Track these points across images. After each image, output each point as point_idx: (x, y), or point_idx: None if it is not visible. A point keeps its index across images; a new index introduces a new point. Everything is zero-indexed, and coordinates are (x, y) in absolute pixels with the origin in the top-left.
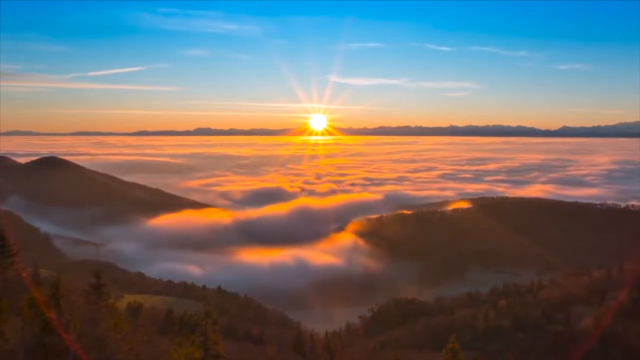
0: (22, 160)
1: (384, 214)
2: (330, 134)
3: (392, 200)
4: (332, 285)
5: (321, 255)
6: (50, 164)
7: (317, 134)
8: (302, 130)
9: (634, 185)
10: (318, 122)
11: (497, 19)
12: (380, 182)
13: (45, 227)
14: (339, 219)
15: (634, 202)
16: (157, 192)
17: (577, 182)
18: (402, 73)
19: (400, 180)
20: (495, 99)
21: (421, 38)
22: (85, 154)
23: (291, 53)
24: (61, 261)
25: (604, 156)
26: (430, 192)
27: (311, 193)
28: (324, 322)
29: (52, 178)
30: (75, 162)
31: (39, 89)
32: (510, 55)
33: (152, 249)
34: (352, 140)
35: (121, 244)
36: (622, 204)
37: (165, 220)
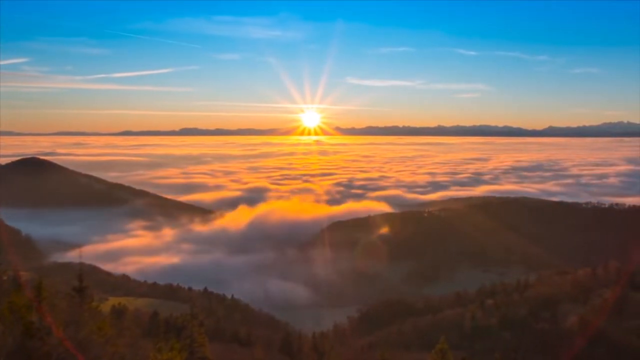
0: (2, 160)
1: (371, 214)
2: (317, 133)
3: (380, 200)
4: (319, 286)
5: (306, 255)
6: (32, 165)
7: (304, 134)
8: (289, 130)
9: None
10: (308, 122)
11: (522, 24)
12: (368, 181)
13: (26, 228)
14: (319, 221)
15: (618, 201)
16: (142, 193)
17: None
18: (420, 75)
19: (388, 179)
20: (501, 101)
21: (451, 43)
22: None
23: (319, 57)
24: (43, 263)
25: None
26: (418, 192)
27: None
28: (312, 322)
29: (33, 179)
30: (56, 162)
31: (47, 90)
32: (531, 59)
33: (137, 250)
34: (341, 140)
35: (105, 245)
36: (607, 203)
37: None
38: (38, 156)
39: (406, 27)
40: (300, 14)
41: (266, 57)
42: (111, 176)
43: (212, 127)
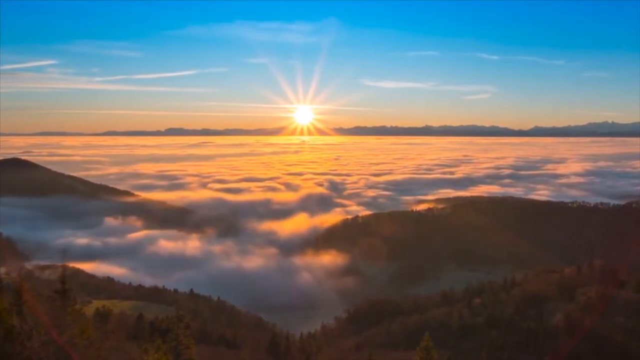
0: None
1: (360, 215)
2: (310, 133)
3: (366, 200)
4: (307, 286)
5: (296, 255)
6: (14, 166)
7: (294, 134)
8: (277, 130)
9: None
10: (299, 122)
11: (544, 30)
12: (356, 182)
13: (7, 230)
14: (307, 221)
15: (603, 200)
16: (127, 193)
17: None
18: (435, 78)
19: (375, 180)
20: (504, 103)
21: (476, 48)
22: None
23: (343, 60)
24: (25, 266)
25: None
26: (405, 192)
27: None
28: (300, 323)
29: (15, 180)
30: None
31: (55, 91)
32: (547, 63)
33: (121, 252)
34: (326, 140)
35: (89, 247)
36: (592, 203)
37: (134, 222)
38: (21, 157)
39: (436, 33)
40: (342, 20)
41: (291, 61)
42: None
43: (198, 128)
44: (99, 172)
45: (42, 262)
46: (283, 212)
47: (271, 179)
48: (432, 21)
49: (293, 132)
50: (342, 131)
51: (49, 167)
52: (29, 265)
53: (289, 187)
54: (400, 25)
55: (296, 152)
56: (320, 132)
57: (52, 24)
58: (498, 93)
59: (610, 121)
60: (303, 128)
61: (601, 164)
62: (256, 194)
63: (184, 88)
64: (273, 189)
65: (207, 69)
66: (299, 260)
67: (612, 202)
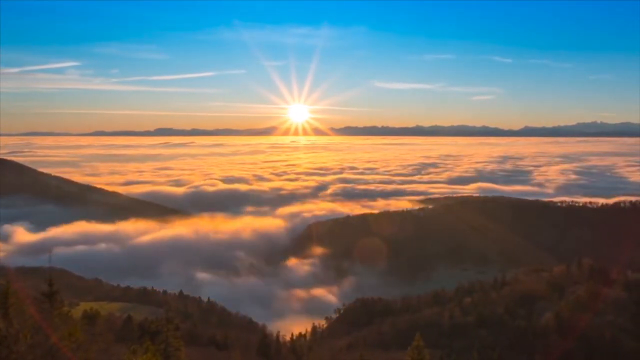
0: None
1: (350, 215)
2: (306, 133)
3: (358, 200)
4: (297, 287)
5: (285, 255)
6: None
7: (285, 134)
8: (267, 130)
9: None
10: (290, 122)
11: (554, 36)
12: (347, 182)
13: None
14: (297, 221)
15: (592, 200)
16: (116, 195)
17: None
18: (444, 79)
19: (367, 180)
20: (506, 103)
21: (489, 51)
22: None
23: (356, 62)
24: (10, 268)
25: None
26: (396, 192)
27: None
28: (290, 324)
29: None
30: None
31: (61, 91)
32: (557, 66)
33: (111, 253)
34: (322, 140)
35: (77, 248)
36: (581, 202)
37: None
38: (4, 157)
39: (455, 37)
40: (368, 25)
41: (306, 63)
42: None
43: (188, 127)
44: (76, 171)
45: (29, 265)
46: (268, 212)
47: (246, 179)
48: (451, 25)
49: (286, 132)
50: (333, 131)
51: (33, 167)
52: (15, 267)
53: (277, 188)
54: (420, 29)
55: (284, 151)
56: (315, 132)
57: (81, 27)
58: (502, 94)
59: (599, 121)
60: (297, 127)
61: (589, 163)
62: (232, 194)
63: (193, 89)
64: (253, 186)
65: (227, 70)
66: (288, 260)
67: (601, 201)
